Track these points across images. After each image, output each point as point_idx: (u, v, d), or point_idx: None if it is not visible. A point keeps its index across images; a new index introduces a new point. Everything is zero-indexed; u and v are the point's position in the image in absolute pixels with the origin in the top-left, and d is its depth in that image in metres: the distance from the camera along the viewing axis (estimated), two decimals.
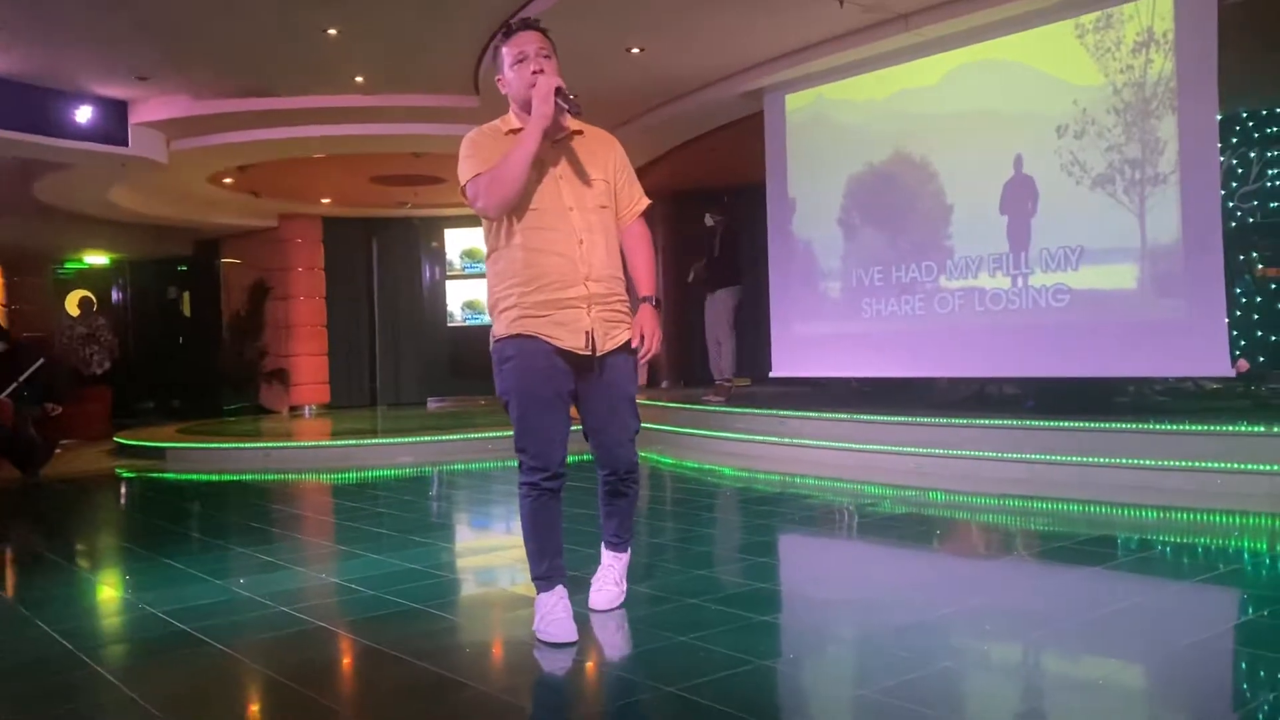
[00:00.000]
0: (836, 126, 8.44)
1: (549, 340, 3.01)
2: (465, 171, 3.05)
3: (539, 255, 3.01)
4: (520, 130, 3.05)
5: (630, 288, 3.20)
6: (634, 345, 3.12)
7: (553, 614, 3.08)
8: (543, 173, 3.04)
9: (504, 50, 3.12)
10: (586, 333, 3.02)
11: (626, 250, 3.23)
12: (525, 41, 3.08)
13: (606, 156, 3.17)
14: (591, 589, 3.42)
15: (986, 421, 6.65)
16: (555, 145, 3.09)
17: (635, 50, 7.96)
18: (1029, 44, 7.19)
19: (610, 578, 3.41)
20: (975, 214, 7.51)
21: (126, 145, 9.57)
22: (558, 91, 2.96)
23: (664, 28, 7.38)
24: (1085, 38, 6.88)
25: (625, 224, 3.21)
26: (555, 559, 3.14)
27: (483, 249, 13.07)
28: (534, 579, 3.14)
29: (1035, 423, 6.43)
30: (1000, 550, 4.64)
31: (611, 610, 3.35)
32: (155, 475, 8.71)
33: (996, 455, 6.38)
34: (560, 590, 3.13)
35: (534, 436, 3.04)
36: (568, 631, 3.05)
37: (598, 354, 3.05)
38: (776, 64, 8.40)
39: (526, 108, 3.05)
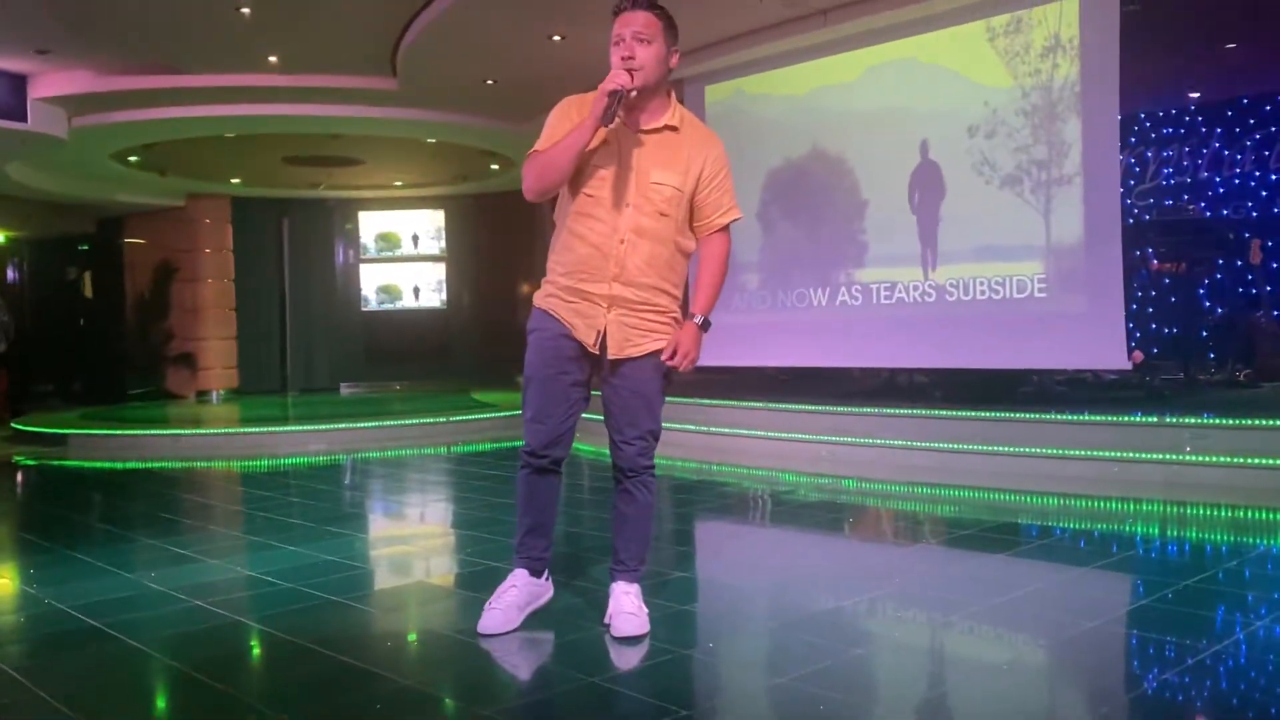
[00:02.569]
0: (756, 120, 8.53)
1: (566, 326, 2.96)
2: (539, 141, 2.92)
3: (578, 242, 2.93)
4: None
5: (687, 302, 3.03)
6: (664, 359, 2.95)
7: (496, 600, 3.11)
8: (614, 161, 2.90)
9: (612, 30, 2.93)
10: (598, 332, 2.93)
11: (698, 262, 3.03)
12: (624, 24, 2.88)
13: (693, 161, 2.95)
14: (610, 621, 3.04)
15: (897, 411, 6.82)
16: (640, 137, 2.92)
17: (557, 38, 7.94)
18: (942, 45, 7.36)
19: (625, 606, 3.02)
20: (888, 210, 7.68)
21: (25, 121, 9.21)
22: (611, 94, 2.79)
23: (585, 15, 7.36)
24: (996, 41, 7.07)
25: (703, 233, 3.01)
26: (527, 535, 3.14)
27: (399, 234, 12.91)
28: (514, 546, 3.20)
29: (943, 412, 6.62)
30: (909, 537, 4.78)
31: (640, 636, 2.96)
32: (56, 463, 8.43)
33: (906, 443, 6.55)
34: (520, 575, 3.13)
35: (528, 412, 3.04)
36: (491, 624, 3.05)
37: (610, 357, 2.95)
38: (697, 55, 8.45)
39: None
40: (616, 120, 2.88)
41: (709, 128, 3.13)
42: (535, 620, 3.19)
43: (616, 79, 2.80)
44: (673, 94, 3.03)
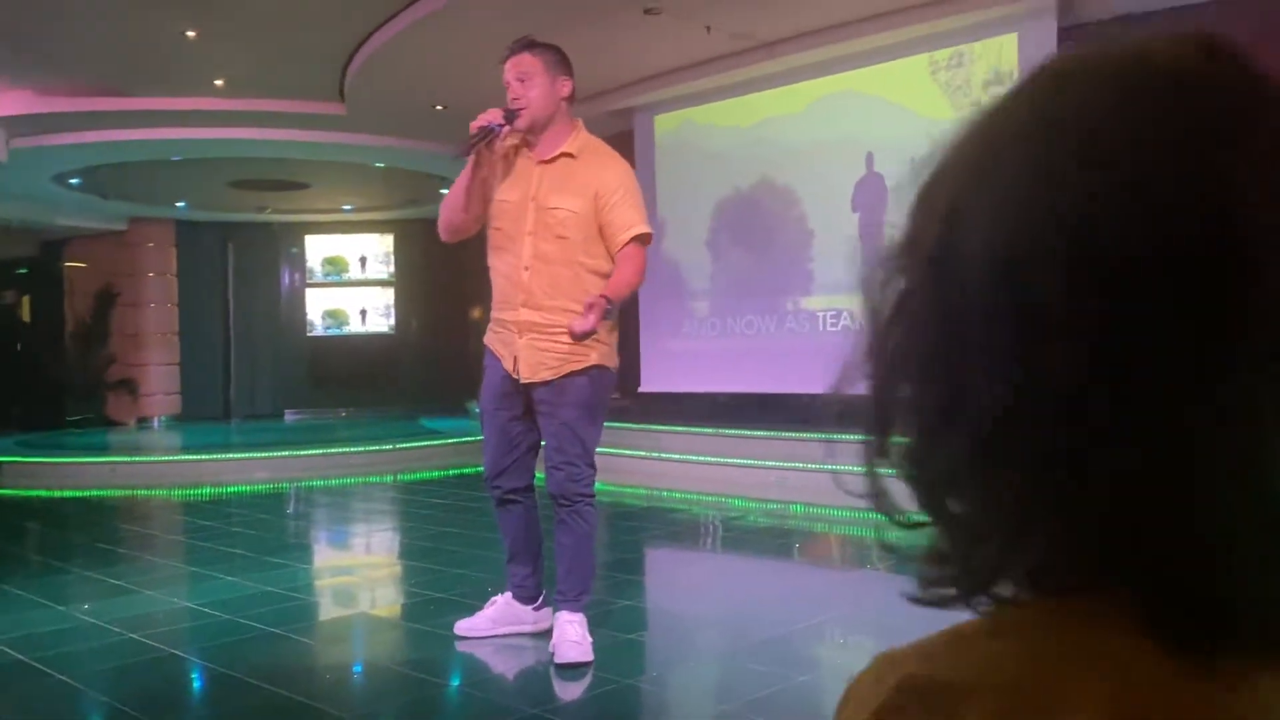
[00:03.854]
0: (704, 151, 8.61)
1: (497, 357, 3.11)
2: None
3: (494, 274, 3.10)
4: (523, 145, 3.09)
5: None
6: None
7: (482, 610, 3.27)
8: (516, 194, 3.02)
9: None
10: (514, 358, 3.04)
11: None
12: (509, 68, 3.04)
13: (589, 184, 2.99)
14: (554, 650, 3.00)
15: (844, 436, 6.85)
16: (541, 168, 3.03)
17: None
18: (887, 78, 7.49)
19: (569, 635, 2.99)
20: (835, 239, 7.77)
21: None
22: (481, 129, 2.92)
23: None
24: (938, 74, 7.22)
25: (615, 251, 3.01)
26: (508, 562, 3.24)
27: (346, 258, 12.77)
28: None
29: (890, 438, 6.68)
30: (856, 563, 4.82)
31: (583, 664, 2.94)
32: None
33: (854, 469, 6.59)
34: (506, 595, 3.25)
35: (484, 443, 3.20)
36: (461, 626, 3.23)
37: (523, 381, 3.02)
38: (645, 85, 8.51)
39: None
40: (500, 151, 3.04)
41: (614, 151, 3.17)
42: (480, 650, 3.16)
43: (485, 116, 2.96)
44: (578, 123, 3.12)
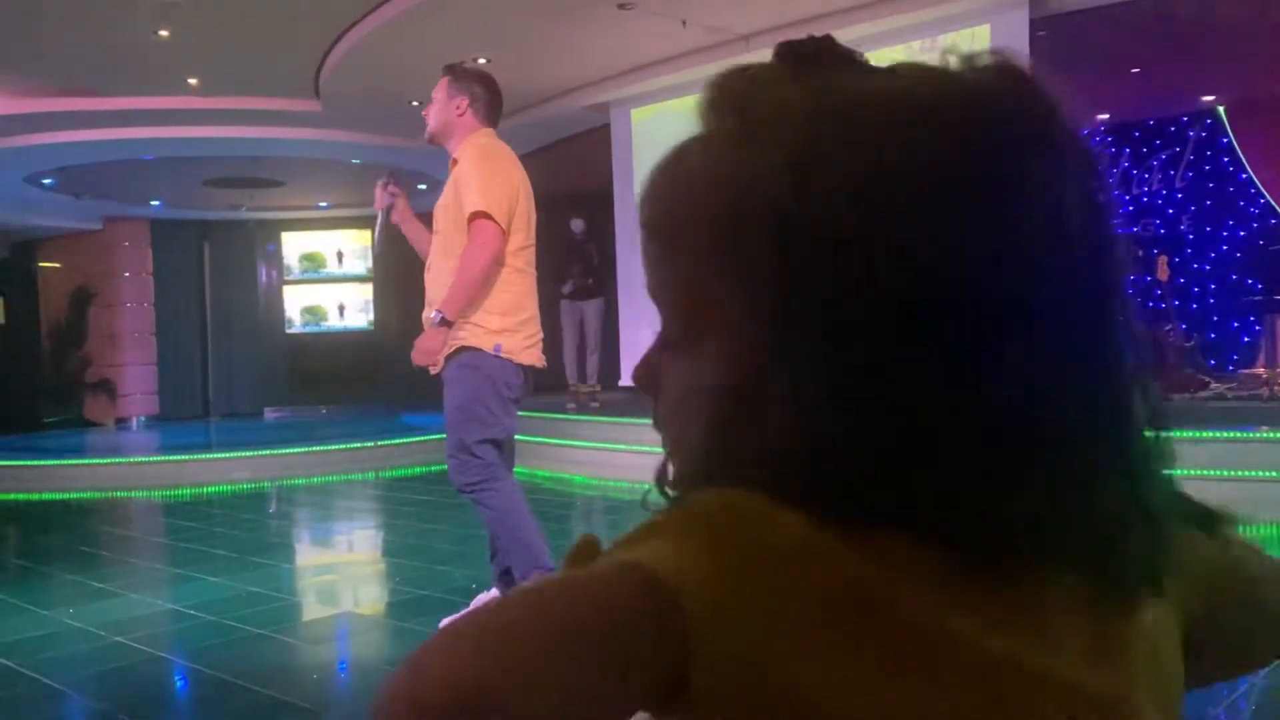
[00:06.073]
0: (681, 138, 8.61)
1: None
2: None
3: None
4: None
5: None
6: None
7: (468, 607, 3.29)
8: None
9: None
10: None
11: None
12: None
13: (456, 178, 3.22)
14: None
15: None
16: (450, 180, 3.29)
17: (482, 60, 7.94)
18: None
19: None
20: None
21: None
22: (381, 212, 3.38)
23: (511, 39, 7.39)
24: (914, 57, 7.27)
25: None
26: (491, 559, 3.27)
27: (324, 254, 12.75)
28: None
29: None
30: None
31: None
32: None
33: None
34: (492, 591, 3.29)
35: None
36: (446, 621, 3.23)
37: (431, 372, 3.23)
38: (623, 79, 8.52)
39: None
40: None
41: (481, 144, 3.25)
42: None
43: (377, 201, 3.46)
44: (482, 131, 3.26)
